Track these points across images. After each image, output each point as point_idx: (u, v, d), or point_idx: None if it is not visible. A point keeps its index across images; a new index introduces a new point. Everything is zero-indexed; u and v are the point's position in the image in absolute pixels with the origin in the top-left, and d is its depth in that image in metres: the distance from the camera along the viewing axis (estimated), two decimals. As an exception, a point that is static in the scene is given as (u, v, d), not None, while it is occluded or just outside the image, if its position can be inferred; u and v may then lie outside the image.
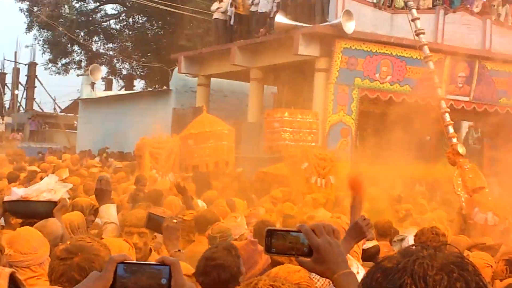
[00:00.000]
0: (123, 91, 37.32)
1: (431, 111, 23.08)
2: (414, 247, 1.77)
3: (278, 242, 2.36)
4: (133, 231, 5.54)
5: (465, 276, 1.66)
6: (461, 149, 14.64)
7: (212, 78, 27.03)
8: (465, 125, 26.89)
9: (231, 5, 24.43)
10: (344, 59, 20.91)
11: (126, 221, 5.70)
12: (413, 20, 16.69)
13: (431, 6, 22.19)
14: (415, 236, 7.18)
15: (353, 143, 21.53)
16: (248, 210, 10.83)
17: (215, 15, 25.52)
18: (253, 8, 23.65)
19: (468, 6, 22.83)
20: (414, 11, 16.95)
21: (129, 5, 40.45)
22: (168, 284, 1.95)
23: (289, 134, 19.82)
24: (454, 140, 14.88)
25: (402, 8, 21.78)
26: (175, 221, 5.63)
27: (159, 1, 36.15)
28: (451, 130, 15.05)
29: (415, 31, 16.45)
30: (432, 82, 18.95)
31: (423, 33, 16.70)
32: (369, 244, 7.38)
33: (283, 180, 16.59)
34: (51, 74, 42.97)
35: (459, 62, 22.41)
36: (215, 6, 25.51)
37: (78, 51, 42.84)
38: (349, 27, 20.30)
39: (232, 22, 24.74)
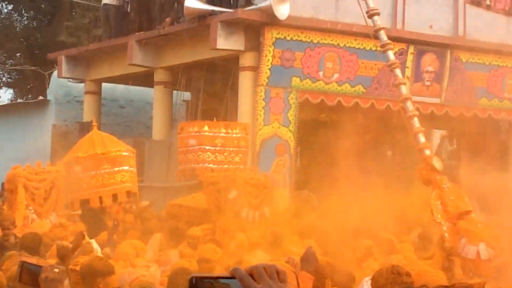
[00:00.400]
0: (-16, 104, 36.70)
1: (391, 117, 23.49)
2: None
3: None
4: None
5: None
6: (437, 164, 14.54)
7: (103, 84, 26.85)
8: (437, 134, 27.24)
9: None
10: (277, 53, 20.99)
11: None
12: (369, 16, 16.77)
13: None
14: (372, 279, 7.21)
15: (292, 163, 21.58)
16: (156, 255, 10.78)
17: (105, 0, 25.37)
18: (155, -11, 23.63)
19: (434, -20, 23.23)
20: (375, 18, 16.99)
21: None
22: None
23: (210, 154, 19.77)
24: (427, 152, 14.79)
25: (350, -15, 22.09)
26: (56, 270, 5.52)
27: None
28: (422, 139, 14.99)
29: (367, 12, 16.53)
30: (392, 79, 19.23)
31: (378, 13, 16.79)
32: None
33: (202, 215, 16.52)
34: None
35: (426, 54, 22.71)
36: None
37: None
38: (282, 11, 20.43)
39: (128, 9, 24.64)
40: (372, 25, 16.70)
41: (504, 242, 13.23)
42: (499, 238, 13.25)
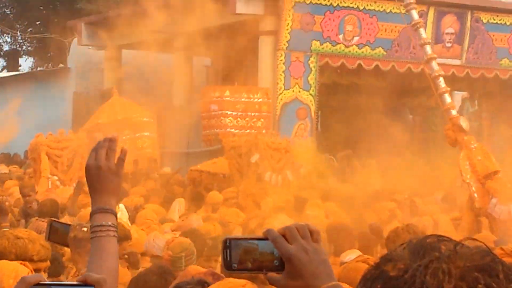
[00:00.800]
0: (5, 73, 36.80)
1: (412, 79, 23.35)
2: (429, 240, 1.68)
3: (240, 255, 2.27)
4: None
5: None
6: (464, 124, 14.31)
7: (123, 50, 26.80)
8: (458, 96, 27.08)
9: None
10: (297, 17, 20.88)
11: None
12: None
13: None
14: (387, 239, 7.11)
15: (313, 127, 21.53)
16: (179, 220, 10.72)
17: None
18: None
19: None
20: None
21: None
22: None
23: (232, 119, 19.75)
24: (454, 112, 14.53)
25: None
26: (85, 229, 5.44)
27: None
28: (448, 99, 14.71)
29: None
30: (417, 39, 18.99)
31: None
32: (351, 256, 7.25)
33: (223, 180, 16.46)
34: None
35: (446, 15, 22.52)
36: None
37: None
38: (303, -27, 20.33)
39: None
40: None
41: None
42: None
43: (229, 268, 2.28)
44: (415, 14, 16.12)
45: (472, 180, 13.41)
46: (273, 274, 2.23)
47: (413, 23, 16.18)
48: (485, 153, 13.98)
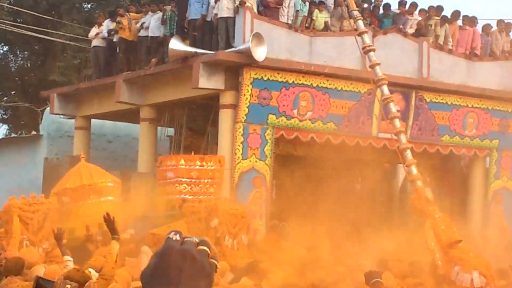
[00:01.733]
0: (-20, 139, 36.50)
1: (361, 153, 23.52)
2: None
3: None
4: None
5: None
6: (429, 194, 14.40)
7: (93, 120, 26.81)
8: (402, 169, 27.29)
9: (115, 29, 24.31)
10: (255, 92, 21.01)
11: None
12: (359, 35, 16.73)
13: (355, 27, 22.55)
14: None
15: (268, 195, 21.54)
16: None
17: (95, 42, 25.39)
18: (142, 33, 23.65)
19: (401, 26, 23.30)
20: (360, 22, 17.01)
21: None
22: None
23: (186, 186, 19.76)
24: (419, 183, 14.57)
25: (323, 30, 22.16)
26: (68, 286, 5.46)
27: (24, 26, 35.71)
28: (414, 170, 14.82)
29: (363, 48, 16.50)
30: (363, 116, 19.18)
31: (374, 49, 16.84)
32: None
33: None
34: None
35: (393, 94, 22.71)
36: (94, 31, 25.45)
37: None
38: (260, 53, 20.48)
39: (117, 50, 24.64)
40: (368, 59, 16.75)
41: (493, 271, 13.11)
42: (490, 267, 13.14)
43: None
44: (386, 89, 16.39)
45: (436, 248, 13.40)
46: None
47: (384, 97, 16.39)
48: (448, 223, 14.05)
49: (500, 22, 25.36)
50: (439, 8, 24.30)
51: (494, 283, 12.42)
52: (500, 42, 25.08)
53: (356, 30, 22.00)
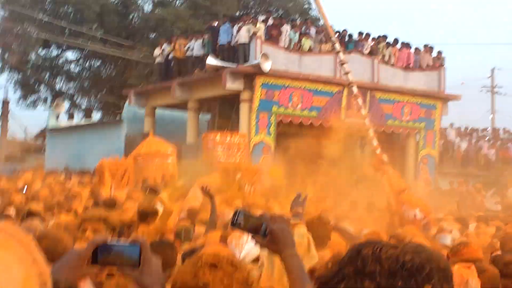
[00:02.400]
0: (83, 121, 36.82)
1: (333, 132, 23.60)
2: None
3: (243, 220, 2.34)
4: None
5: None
6: (385, 157, 14.31)
7: (157, 109, 26.95)
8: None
9: (171, 49, 24.52)
10: (263, 91, 21.20)
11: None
12: (337, 53, 16.77)
13: (331, 49, 22.65)
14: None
15: (272, 159, 21.71)
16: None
17: (158, 59, 25.55)
18: (188, 53, 23.79)
19: (360, 48, 23.43)
20: (337, 45, 17.08)
21: (86, 52, 40.06)
22: (139, 259, 1.91)
23: (221, 152, 19.92)
24: (378, 151, 14.54)
25: (308, 51, 22.29)
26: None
27: (111, 48, 35.95)
28: (375, 142, 14.79)
29: (340, 62, 16.73)
30: (336, 107, 19.30)
31: (346, 62, 17.07)
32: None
33: (217, 188, 16.55)
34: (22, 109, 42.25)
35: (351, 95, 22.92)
36: (157, 52, 25.56)
37: (44, 90, 42.13)
38: (266, 66, 20.64)
39: (172, 64, 24.82)
40: (347, 79, 16.77)
41: (429, 209, 13.01)
42: (426, 205, 13.07)
43: (234, 225, 2.34)
44: (355, 89, 16.37)
45: (390, 193, 13.26)
46: (259, 237, 2.33)
47: (354, 95, 16.40)
48: (397, 176, 13.90)
49: (425, 46, 25.43)
50: (385, 36, 24.38)
51: (429, 217, 12.29)
52: (425, 59, 25.16)
53: (330, 51, 22.27)
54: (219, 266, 2.21)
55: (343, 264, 1.46)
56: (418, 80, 24.56)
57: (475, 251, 4.51)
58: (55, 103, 33.32)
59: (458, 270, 3.42)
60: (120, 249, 1.91)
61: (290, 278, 2.28)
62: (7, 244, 1.10)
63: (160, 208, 8.04)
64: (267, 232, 2.31)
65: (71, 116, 38.54)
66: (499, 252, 6.43)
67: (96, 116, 42.87)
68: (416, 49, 25.08)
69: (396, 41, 24.50)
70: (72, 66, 43.01)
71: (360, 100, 16.96)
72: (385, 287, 1.38)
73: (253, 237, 2.35)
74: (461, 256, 4.18)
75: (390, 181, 13.47)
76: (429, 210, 12.91)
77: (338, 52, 17.64)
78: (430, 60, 25.19)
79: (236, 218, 2.34)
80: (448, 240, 7.36)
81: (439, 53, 25.59)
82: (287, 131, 22.94)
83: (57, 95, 40.55)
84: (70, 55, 43.18)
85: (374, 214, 13.32)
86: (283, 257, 2.31)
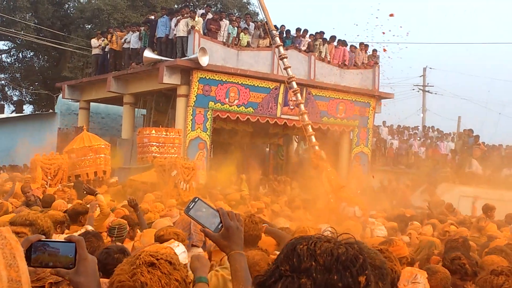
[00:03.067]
0: (14, 114, 35.76)
1: (269, 128, 23.68)
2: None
3: (198, 209, 2.33)
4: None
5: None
6: (323, 155, 14.22)
7: (91, 103, 26.43)
8: (295, 138, 27.60)
9: (108, 41, 24.05)
10: (200, 86, 21.00)
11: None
12: (277, 47, 16.65)
13: (268, 45, 22.65)
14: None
15: (208, 155, 21.60)
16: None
17: (94, 51, 25.01)
18: (125, 45, 23.38)
19: (297, 45, 23.47)
20: (277, 38, 16.96)
21: (18, 42, 38.85)
22: (74, 257, 1.91)
23: (156, 148, 19.66)
24: (317, 147, 14.39)
25: (246, 46, 22.20)
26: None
27: (45, 39, 34.97)
28: (313, 139, 14.63)
29: (279, 56, 16.55)
30: (272, 103, 19.23)
31: (286, 57, 17.00)
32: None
33: (151, 186, 16.36)
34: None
35: (291, 89, 22.96)
36: (93, 43, 25.03)
37: (-27, 80, 40.82)
38: (204, 61, 20.45)
39: (108, 56, 24.34)
40: (287, 74, 16.65)
41: (367, 206, 13.03)
42: (364, 203, 13.10)
43: (188, 211, 2.33)
44: (295, 84, 16.30)
45: (329, 190, 13.22)
46: (210, 231, 2.32)
47: (293, 90, 16.33)
48: (335, 174, 13.89)
49: (361, 44, 25.71)
50: (322, 33, 24.50)
51: (367, 214, 12.36)
52: (360, 57, 25.45)
53: (268, 47, 22.24)
54: (157, 265, 2.17)
55: (279, 262, 1.45)
56: (353, 78, 24.81)
57: (400, 248, 4.68)
58: (-16, 94, 32.19)
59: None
60: (55, 247, 1.89)
61: (235, 276, 2.30)
62: None
63: (97, 210, 7.82)
64: (221, 227, 2.31)
65: (1, 109, 37.42)
66: (436, 251, 6.52)
67: (28, 109, 41.78)
68: (352, 46, 25.32)
69: (333, 38, 24.66)
70: (4, 56, 41.73)
71: (299, 96, 16.93)
72: (321, 282, 1.37)
73: (203, 229, 2.33)
74: (390, 253, 4.24)
75: (329, 178, 13.50)
76: (367, 208, 13.04)
77: (278, 46, 17.54)
78: (365, 58, 25.48)
79: (192, 205, 2.32)
80: (383, 231, 7.43)
81: (374, 51, 25.91)
82: (223, 127, 22.85)
83: (-13, 86, 39.34)
84: (1, 45, 41.89)
85: (313, 211, 13.40)
86: (231, 255, 2.32)
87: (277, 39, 18.13)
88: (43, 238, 1.89)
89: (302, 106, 16.46)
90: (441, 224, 10.46)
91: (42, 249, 1.86)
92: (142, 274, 2.11)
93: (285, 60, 17.14)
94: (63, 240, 1.94)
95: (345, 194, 13.32)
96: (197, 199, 2.34)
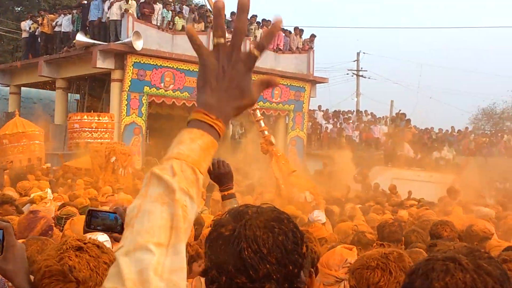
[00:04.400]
0: None
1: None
2: (240, 208, 1.68)
3: (97, 221, 2.29)
4: None
5: (283, 229, 1.60)
6: (273, 140, 13.90)
7: (22, 88, 25.81)
8: (232, 124, 27.65)
9: (38, 25, 23.47)
10: (135, 71, 20.79)
11: None
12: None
13: (203, 29, 22.58)
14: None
15: (143, 140, 21.46)
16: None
17: (24, 34, 24.39)
18: (57, 29, 22.92)
19: (232, 29, 23.38)
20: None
21: None
22: (1, 244, 1.87)
23: (88, 133, 19.41)
24: (266, 132, 14.09)
25: (181, 30, 22.07)
26: None
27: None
28: (262, 124, 14.28)
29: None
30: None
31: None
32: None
33: (86, 172, 16.15)
34: None
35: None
36: (23, 26, 24.40)
37: None
38: (138, 45, 20.24)
39: (39, 40, 23.76)
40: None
41: (319, 190, 13.00)
42: (316, 188, 13.07)
43: (89, 227, 2.33)
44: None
45: (280, 176, 12.97)
46: (117, 235, 2.27)
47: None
48: (286, 159, 13.55)
49: (295, 28, 25.92)
50: (255, 16, 24.53)
51: (319, 199, 12.28)
52: (295, 41, 25.67)
53: (203, 31, 22.17)
54: (85, 249, 2.15)
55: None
56: (288, 63, 25.00)
57: (319, 229, 5.24)
58: None
59: (340, 250, 3.59)
60: None
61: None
62: None
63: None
64: (121, 225, 2.22)
65: None
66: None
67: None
68: (286, 31, 25.48)
69: (267, 22, 24.75)
70: None
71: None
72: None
73: (110, 236, 2.33)
74: (310, 234, 4.37)
75: (279, 163, 13.35)
76: (319, 193, 13.04)
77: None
78: (299, 43, 25.72)
79: (89, 220, 2.29)
80: (323, 218, 7.51)
81: (312, 36, 26.14)
82: (159, 112, 22.72)
83: None
84: None
85: (262, 197, 13.34)
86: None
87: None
88: None
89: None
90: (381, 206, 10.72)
91: None
92: (70, 258, 2.10)
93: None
94: None
95: (296, 179, 13.21)
96: (91, 211, 2.32)
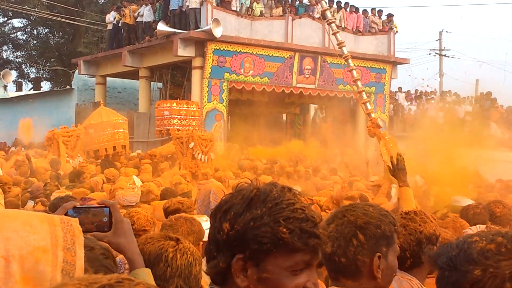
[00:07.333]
0: (32, 91, 35.94)
1: (285, 97, 23.58)
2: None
3: (81, 217, 1.90)
4: None
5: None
6: (380, 122, 13.48)
7: (107, 78, 26.46)
8: (313, 107, 27.49)
9: (121, 16, 23.96)
10: (215, 58, 20.90)
11: None
12: (333, 34, 15.20)
13: (281, 13, 22.45)
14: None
15: (225, 125, 21.59)
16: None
17: (109, 26, 24.95)
18: (138, 19, 23.27)
19: (311, 13, 23.22)
20: (333, 25, 15.50)
21: (33, 19, 38.86)
22: (109, 220, 1.96)
23: (177, 120, 19.66)
24: (373, 114, 13.67)
25: (259, 16, 22.02)
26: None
27: (59, 15, 34.92)
28: (369, 106, 13.86)
29: (338, 44, 15.02)
30: (287, 72, 18.80)
31: (339, 32, 15.49)
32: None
33: (171, 158, 16.41)
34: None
35: (306, 58, 22.82)
36: (108, 18, 24.98)
37: (-10, 59, 40.96)
38: (218, 32, 20.32)
39: (122, 31, 24.26)
40: (341, 51, 15.03)
41: (429, 175, 12.63)
42: (426, 172, 12.77)
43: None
44: (350, 62, 14.83)
45: (388, 160, 12.54)
46: (99, 234, 1.96)
47: (344, 56, 14.83)
48: (394, 141, 13.20)
49: (372, 9, 25.36)
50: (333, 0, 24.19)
51: (428, 183, 11.86)
52: (375, 22, 25.12)
53: (281, 15, 22.05)
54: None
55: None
56: (368, 44, 24.54)
57: None
58: (2, 73, 32.29)
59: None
60: (89, 212, 1.94)
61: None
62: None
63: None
64: (108, 222, 1.97)
65: (19, 86, 37.59)
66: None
67: (46, 86, 41.93)
68: (365, 11, 24.99)
69: (346, 4, 24.36)
70: (19, 34, 41.82)
71: (350, 61, 15.29)
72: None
73: (93, 235, 1.98)
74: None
75: (386, 145, 12.93)
76: (430, 177, 12.54)
77: (330, 23, 15.92)
78: (379, 24, 25.17)
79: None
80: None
81: (390, 15, 25.55)
82: (239, 98, 22.79)
83: (3, 64, 39.46)
84: (16, 22, 41.93)
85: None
86: (128, 257, 2.03)
87: (328, 13, 16.47)
88: (77, 204, 1.93)
89: (354, 72, 14.95)
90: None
91: (77, 215, 1.86)
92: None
93: (338, 35, 15.60)
94: (97, 206, 1.98)
95: (404, 162, 12.70)
96: (74, 208, 1.94)
